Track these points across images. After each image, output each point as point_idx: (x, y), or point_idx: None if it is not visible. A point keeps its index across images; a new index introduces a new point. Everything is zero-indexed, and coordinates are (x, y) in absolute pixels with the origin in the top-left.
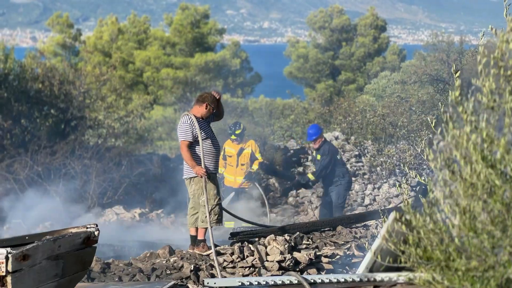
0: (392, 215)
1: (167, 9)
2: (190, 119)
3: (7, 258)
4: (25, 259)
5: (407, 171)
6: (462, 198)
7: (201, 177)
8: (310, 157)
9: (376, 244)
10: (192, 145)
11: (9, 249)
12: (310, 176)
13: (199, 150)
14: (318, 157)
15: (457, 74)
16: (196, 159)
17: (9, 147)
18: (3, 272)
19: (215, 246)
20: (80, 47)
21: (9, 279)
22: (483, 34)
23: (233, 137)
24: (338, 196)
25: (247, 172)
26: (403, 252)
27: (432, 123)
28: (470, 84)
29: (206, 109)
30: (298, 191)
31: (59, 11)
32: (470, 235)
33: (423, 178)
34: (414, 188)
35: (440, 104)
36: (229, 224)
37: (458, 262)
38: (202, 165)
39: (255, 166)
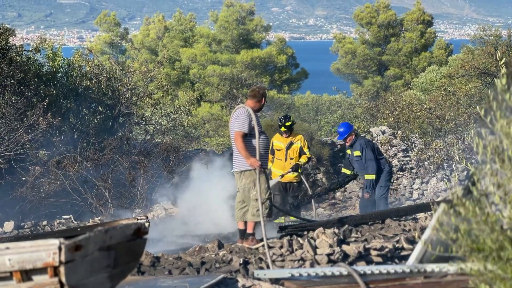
0: (442, 206)
1: (212, 7)
2: (247, 111)
3: (60, 248)
4: (78, 250)
5: (457, 159)
6: None
7: (255, 169)
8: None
9: (426, 234)
10: (245, 137)
11: (62, 240)
12: (345, 170)
13: (254, 142)
14: (356, 153)
15: (503, 61)
16: (249, 151)
17: (58, 144)
18: (56, 262)
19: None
20: (127, 45)
21: (62, 269)
22: None
23: (283, 129)
24: (380, 188)
25: (294, 163)
26: (454, 241)
27: (481, 111)
28: None
29: (262, 103)
30: (346, 187)
31: (107, 10)
32: None
33: (473, 167)
34: (462, 182)
35: (489, 92)
36: (279, 220)
37: (510, 251)
38: (257, 157)
39: (303, 160)
